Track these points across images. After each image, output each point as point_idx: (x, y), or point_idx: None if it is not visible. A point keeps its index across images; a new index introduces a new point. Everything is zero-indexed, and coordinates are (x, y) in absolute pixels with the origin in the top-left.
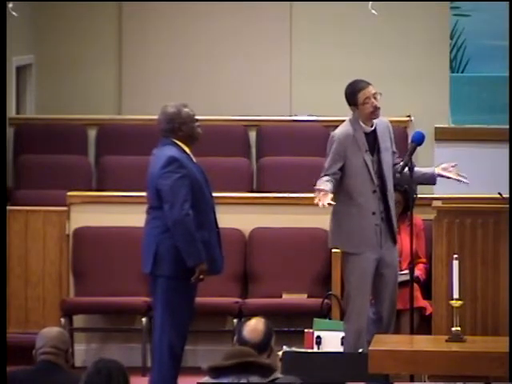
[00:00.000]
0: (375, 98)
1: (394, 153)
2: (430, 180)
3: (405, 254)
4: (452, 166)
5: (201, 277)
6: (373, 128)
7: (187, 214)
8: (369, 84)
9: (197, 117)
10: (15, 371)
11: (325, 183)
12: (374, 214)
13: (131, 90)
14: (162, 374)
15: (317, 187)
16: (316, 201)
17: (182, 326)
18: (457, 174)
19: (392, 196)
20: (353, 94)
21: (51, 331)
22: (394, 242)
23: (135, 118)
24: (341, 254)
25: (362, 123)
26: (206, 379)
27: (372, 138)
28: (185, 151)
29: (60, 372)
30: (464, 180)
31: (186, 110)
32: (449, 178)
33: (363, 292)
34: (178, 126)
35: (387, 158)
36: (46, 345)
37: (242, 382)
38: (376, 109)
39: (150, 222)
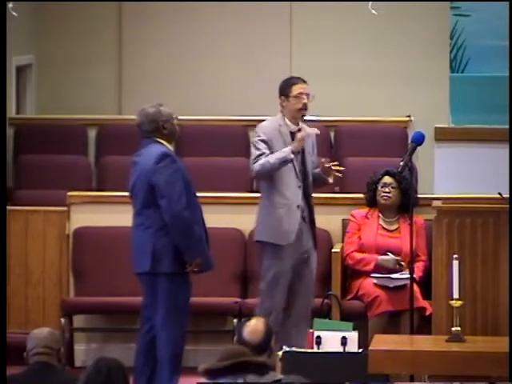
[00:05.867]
0: (307, 97)
1: (312, 162)
2: (323, 181)
3: (404, 254)
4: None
5: (195, 269)
6: (298, 128)
7: (185, 207)
8: (305, 82)
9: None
10: (9, 377)
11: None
12: (298, 207)
13: (131, 90)
14: (163, 373)
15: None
16: (304, 132)
17: (183, 324)
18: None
19: (312, 200)
20: (287, 85)
21: (42, 332)
22: (315, 245)
23: (135, 118)
24: (262, 245)
25: (287, 121)
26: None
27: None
28: (169, 149)
29: (54, 372)
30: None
31: (164, 108)
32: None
33: (275, 288)
34: (162, 125)
35: (309, 162)
36: (38, 345)
37: (239, 382)
38: (305, 107)
39: (144, 222)
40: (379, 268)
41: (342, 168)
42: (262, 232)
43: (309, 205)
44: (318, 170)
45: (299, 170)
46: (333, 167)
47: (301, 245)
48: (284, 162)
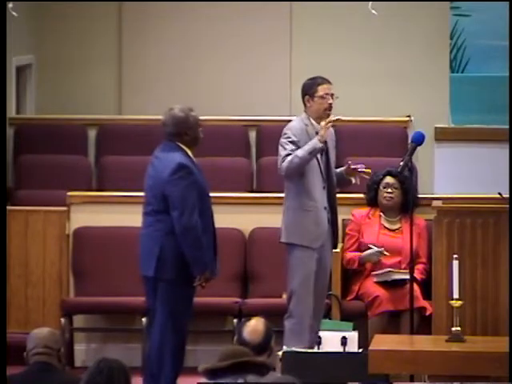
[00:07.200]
0: (332, 98)
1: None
2: (345, 182)
3: (405, 254)
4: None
5: (203, 284)
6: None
7: (196, 221)
8: (330, 82)
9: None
10: (9, 377)
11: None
12: (325, 208)
13: (131, 89)
14: (163, 376)
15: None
16: (329, 120)
17: (182, 329)
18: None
19: (336, 201)
20: (313, 85)
21: (42, 331)
22: (334, 245)
23: (135, 117)
24: (288, 247)
25: (312, 121)
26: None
27: None
28: (188, 155)
29: (54, 372)
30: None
31: (193, 114)
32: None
33: (308, 289)
34: (185, 131)
35: (333, 163)
36: (38, 345)
37: (239, 382)
38: (331, 107)
39: (154, 224)
40: (364, 264)
41: (368, 170)
42: (292, 234)
43: (331, 205)
44: (339, 170)
45: (324, 170)
46: (359, 169)
47: (321, 245)
48: (312, 152)
